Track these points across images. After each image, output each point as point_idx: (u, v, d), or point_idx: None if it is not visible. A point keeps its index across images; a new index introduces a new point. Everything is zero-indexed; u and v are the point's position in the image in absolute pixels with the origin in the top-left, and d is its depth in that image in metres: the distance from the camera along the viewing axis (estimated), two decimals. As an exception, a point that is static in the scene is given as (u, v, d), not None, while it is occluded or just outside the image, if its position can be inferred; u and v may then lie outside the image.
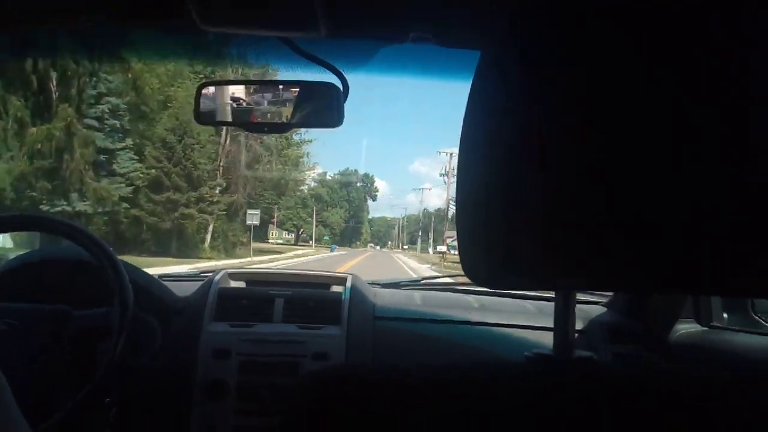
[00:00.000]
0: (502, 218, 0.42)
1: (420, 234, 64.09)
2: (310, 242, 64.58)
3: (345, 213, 78.52)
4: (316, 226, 70.58)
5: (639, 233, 0.37)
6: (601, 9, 0.37)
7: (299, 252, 38.13)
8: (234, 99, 1.03)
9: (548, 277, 0.43)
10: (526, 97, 0.40)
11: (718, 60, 0.36)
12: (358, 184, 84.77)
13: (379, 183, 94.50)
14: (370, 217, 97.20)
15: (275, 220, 62.54)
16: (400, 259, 33.74)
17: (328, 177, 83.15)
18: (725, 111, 0.35)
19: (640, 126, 0.36)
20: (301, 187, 68.78)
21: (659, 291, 1.20)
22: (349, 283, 1.57)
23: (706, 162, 0.36)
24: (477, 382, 0.46)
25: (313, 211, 65.46)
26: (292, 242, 64.13)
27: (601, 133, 0.37)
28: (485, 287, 0.49)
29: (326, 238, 70.03)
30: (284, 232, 66.54)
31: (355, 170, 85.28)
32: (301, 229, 66.18)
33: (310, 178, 66.69)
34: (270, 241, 61.78)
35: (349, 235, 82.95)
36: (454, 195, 0.49)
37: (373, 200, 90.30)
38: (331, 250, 44.58)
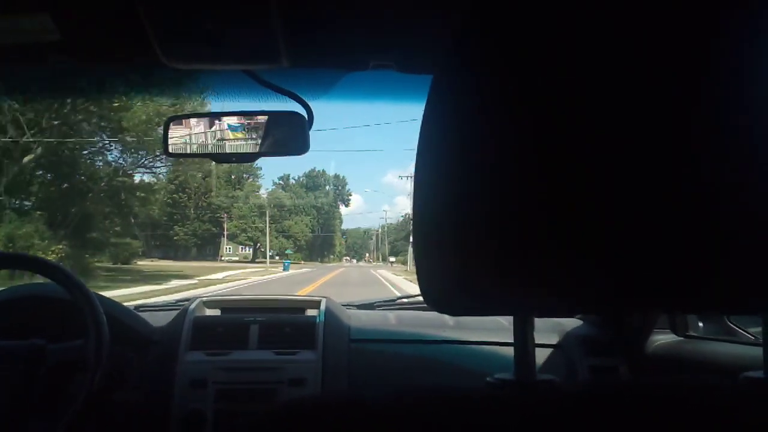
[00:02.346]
0: (456, 241, 0.47)
1: (411, 240, 60.87)
2: (277, 257, 62.86)
3: (312, 221, 77.18)
4: (276, 237, 69.18)
5: (594, 255, 0.43)
6: (548, 29, 0.43)
7: (221, 276, 28.87)
8: (202, 131, 1.26)
9: (503, 301, 0.50)
10: (477, 120, 0.45)
11: (671, 77, 0.41)
12: (327, 188, 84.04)
13: (353, 197, 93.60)
14: (344, 227, 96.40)
15: (226, 232, 61.44)
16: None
17: (291, 181, 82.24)
18: (685, 129, 0.41)
19: (592, 145, 0.42)
20: (257, 192, 67.21)
21: (617, 312, 1.42)
22: (323, 307, 1.82)
23: (663, 180, 0.41)
24: (439, 407, 0.51)
25: (266, 217, 62.83)
26: (251, 258, 63.20)
27: (553, 154, 0.42)
28: (441, 312, 0.58)
29: (289, 251, 68.41)
30: (241, 246, 65.59)
31: (323, 170, 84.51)
32: (258, 243, 64.78)
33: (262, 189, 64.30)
34: (223, 258, 60.77)
35: (319, 247, 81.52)
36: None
37: (346, 205, 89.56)
38: (285, 269, 39.98)
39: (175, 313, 1.83)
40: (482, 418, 0.50)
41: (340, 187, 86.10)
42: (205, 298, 1.90)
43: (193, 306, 1.80)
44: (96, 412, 1.38)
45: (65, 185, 23.51)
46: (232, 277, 27.69)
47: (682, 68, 0.41)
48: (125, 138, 23.73)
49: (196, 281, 22.71)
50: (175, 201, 54.95)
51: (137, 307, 1.94)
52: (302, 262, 67.69)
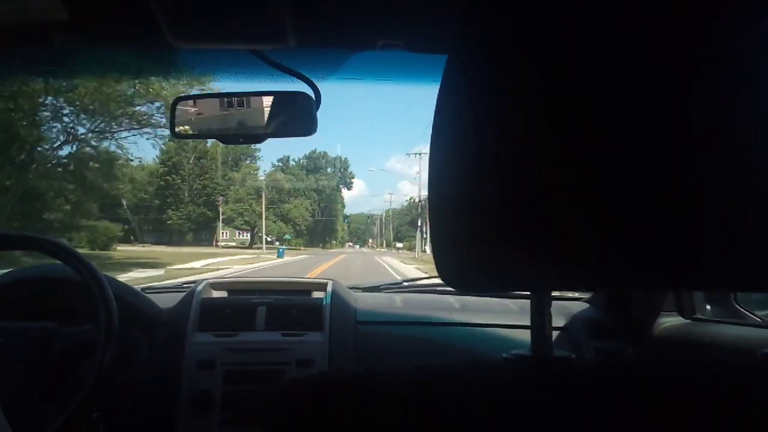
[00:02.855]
0: (472, 220, 0.49)
1: (419, 224, 52.94)
2: (276, 243, 62.14)
3: (313, 205, 76.63)
4: (275, 221, 68.71)
5: (609, 231, 0.45)
6: (559, 10, 0.45)
7: (198, 266, 23.69)
8: (209, 112, 1.31)
9: (520, 278, 0.52)
10: (491, 99, 0.48)
11: (684, 58, 0.44)
12: (329, 170, 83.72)
13: (355, 181, 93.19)
14: (346, 212, 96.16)
15: (222, 216, 61.02)
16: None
17: (291, 162, 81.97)
18: (695, 109, 0.43)
19: (607, 124, 0.44)
20: (254, 172, 66.27)
21: (631, 288, 1.48)
22: (329, 289, 1.88)
23: (675, 157, 0.43)
24: (454, 382, 0.54)
25: (262, 199, 62.29)
26: (248, 244, 62.92)
27: (568, 133, 0.45)
28: (459, 290, 0.62)
29: (288, 237, 67.84)
30: (237, 231, 65.34)
31: (324, 152, 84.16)
32: (256, 228, 64.39)
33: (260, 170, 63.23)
34: (220, 243, 60.61)
35: (320, 232, 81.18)
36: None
37: (348, 189, 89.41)
38: (279, 256, 38.22)
39: (181, 294, 1.89)
40: (500, 391, 0.52)
41: (342, 170, 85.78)
42: (211, 280, 1.96)
43: (200, 288, 1.87)
44: (106, 394, 1.44)
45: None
46: (212, 267, 23.29)
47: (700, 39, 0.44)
48: (74, 98, 20.51)
49: (163, 272, 19.34)
50: (168, 183, 54.79)
51: (144, 289, 2.00)
52: (302, 248, 67.22)
